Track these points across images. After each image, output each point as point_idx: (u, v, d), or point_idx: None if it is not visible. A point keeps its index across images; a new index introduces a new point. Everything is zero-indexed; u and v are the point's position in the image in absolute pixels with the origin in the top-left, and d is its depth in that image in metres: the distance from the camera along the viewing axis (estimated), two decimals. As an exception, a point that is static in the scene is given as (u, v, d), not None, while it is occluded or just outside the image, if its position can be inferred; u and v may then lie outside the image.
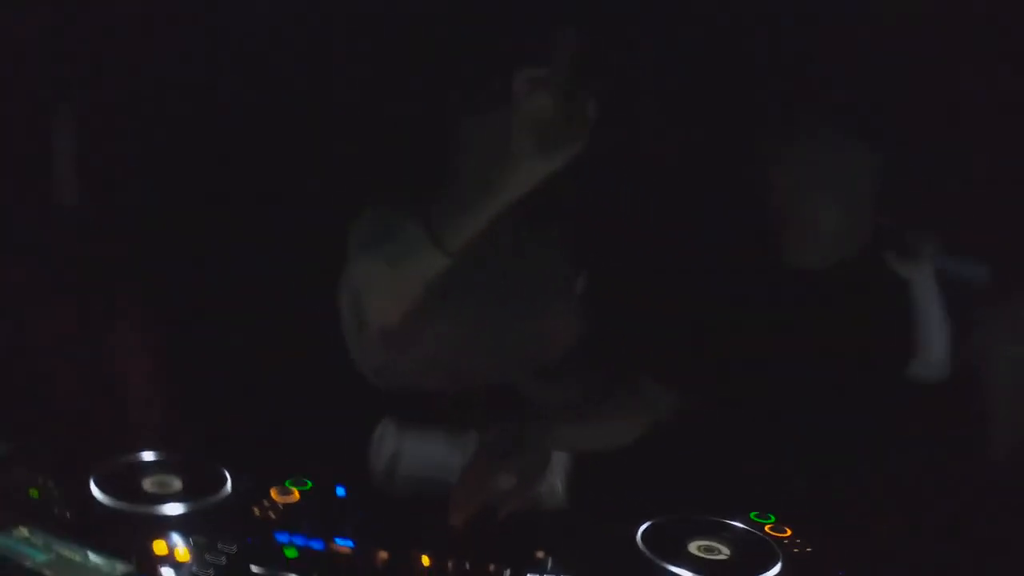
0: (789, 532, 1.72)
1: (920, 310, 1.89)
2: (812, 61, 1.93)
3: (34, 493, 1.64)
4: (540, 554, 1.60)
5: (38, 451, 1.74)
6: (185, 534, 1.57)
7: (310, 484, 1.76)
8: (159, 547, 1.53)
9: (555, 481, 1.90)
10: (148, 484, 1.69)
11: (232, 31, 2.12)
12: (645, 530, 1.68)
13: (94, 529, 1.57)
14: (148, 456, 1.77)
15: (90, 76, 2.12)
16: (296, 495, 1.72)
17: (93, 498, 1.64)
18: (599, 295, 2.00)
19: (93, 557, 1.49)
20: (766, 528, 1.73)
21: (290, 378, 2.00)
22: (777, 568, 1.60)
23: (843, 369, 1.85)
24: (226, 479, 1.72)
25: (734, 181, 1.97)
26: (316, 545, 1.59)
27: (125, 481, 1.68)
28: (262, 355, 2.03)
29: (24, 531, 1.55)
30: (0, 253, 2.08)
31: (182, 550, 1.53)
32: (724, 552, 1.65)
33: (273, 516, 1.65)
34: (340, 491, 1.75)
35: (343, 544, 1.60)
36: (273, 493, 1.71)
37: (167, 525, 1.60)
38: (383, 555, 1.58)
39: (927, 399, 1.87)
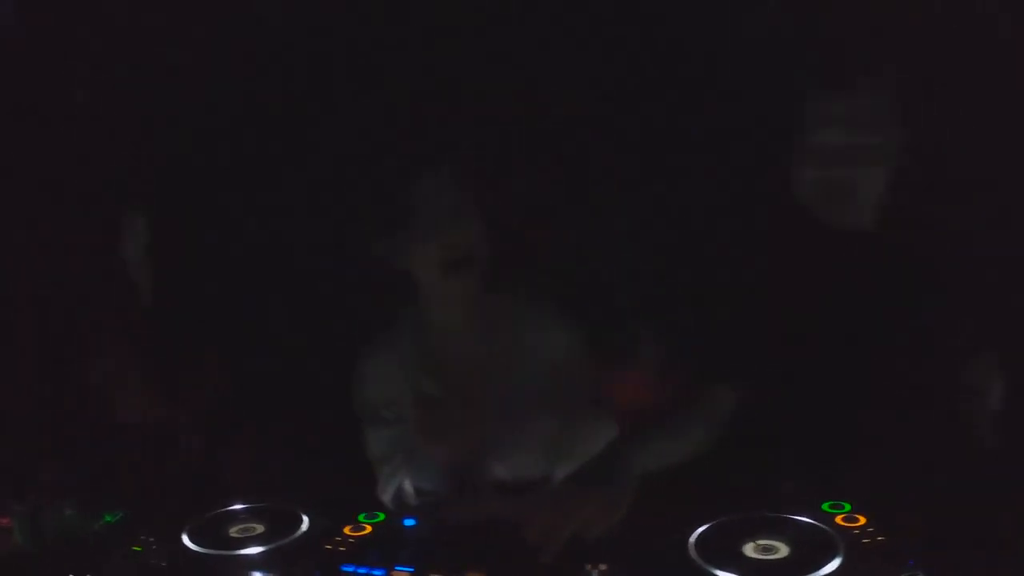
0: (863, 521, 1.62)
1: None
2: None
3: (138, 548, 1.82)
4: (590, 568, 1.60)
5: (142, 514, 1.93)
6: (264, 572, 1.71)
7: (382, 516, 1.84)
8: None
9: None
10: (234, 531, 1.83)
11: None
12: (700, 535, 1.63)
13: (183, 573, 1.75)
14: (234, 507, 1.90)
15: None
16: (368, 528, 1.81)
17: (185, 548, 1.79)
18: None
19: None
20: (837, 519, 1.63)
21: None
22: (836, 562, 1.52)
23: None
24: (302, 520, 1.83)
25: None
26: (378, 573, 1.67)
27: (214, 531, 1.83)
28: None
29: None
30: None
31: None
32: (783, 550, 1.58)
33: (343, 550, 1.75)
34: (409, 522, 1.82)
35: (403, 570, 1.67)
36: (347, 529, 1.80)
37: (247, 565, 1.73)
38: (441, 579, 1.64)
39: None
